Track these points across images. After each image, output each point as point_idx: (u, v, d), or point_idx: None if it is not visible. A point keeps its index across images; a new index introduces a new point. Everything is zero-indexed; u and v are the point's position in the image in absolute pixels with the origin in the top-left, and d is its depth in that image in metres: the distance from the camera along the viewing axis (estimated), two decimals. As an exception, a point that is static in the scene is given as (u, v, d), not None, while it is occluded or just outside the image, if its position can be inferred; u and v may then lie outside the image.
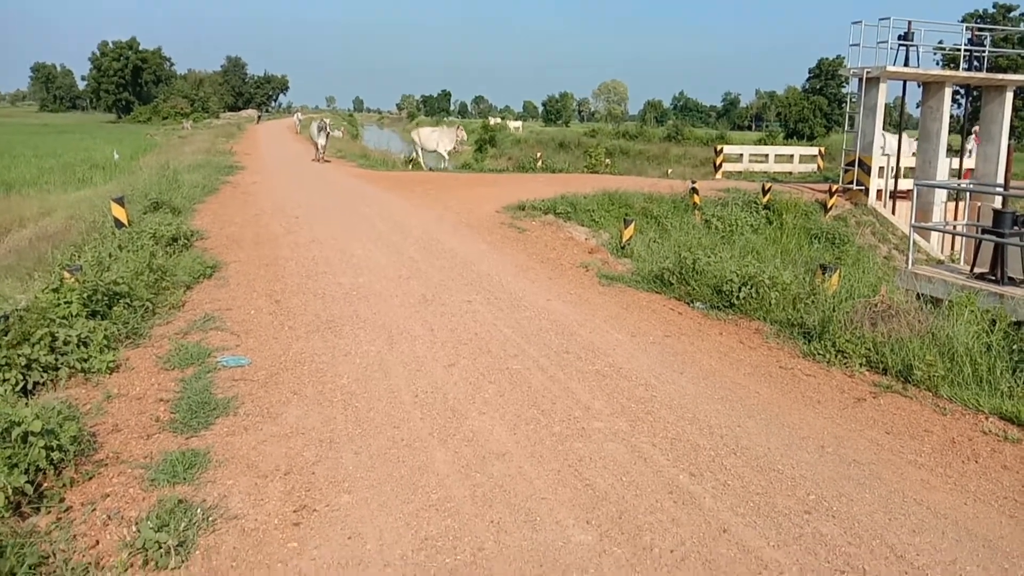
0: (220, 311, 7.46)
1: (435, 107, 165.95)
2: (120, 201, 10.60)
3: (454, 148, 26.63)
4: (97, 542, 3.63)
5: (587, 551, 3.71)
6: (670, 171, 24.17)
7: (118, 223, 10.33)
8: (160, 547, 3.52)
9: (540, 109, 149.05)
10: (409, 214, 14.30)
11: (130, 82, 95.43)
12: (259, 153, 31.79)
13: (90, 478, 4.18)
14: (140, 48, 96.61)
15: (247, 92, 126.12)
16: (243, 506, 4.01)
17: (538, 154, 27.69)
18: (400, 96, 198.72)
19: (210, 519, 3.85)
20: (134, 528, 3.69)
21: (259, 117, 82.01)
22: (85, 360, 5.59)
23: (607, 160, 25.99)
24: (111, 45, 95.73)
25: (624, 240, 11.54)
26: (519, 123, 74.50)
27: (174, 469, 4.30)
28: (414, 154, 26.77)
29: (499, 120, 72.99)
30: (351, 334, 6.94)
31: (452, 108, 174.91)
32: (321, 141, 26.96)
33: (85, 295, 6.44)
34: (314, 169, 24.23)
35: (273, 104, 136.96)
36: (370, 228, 12.57)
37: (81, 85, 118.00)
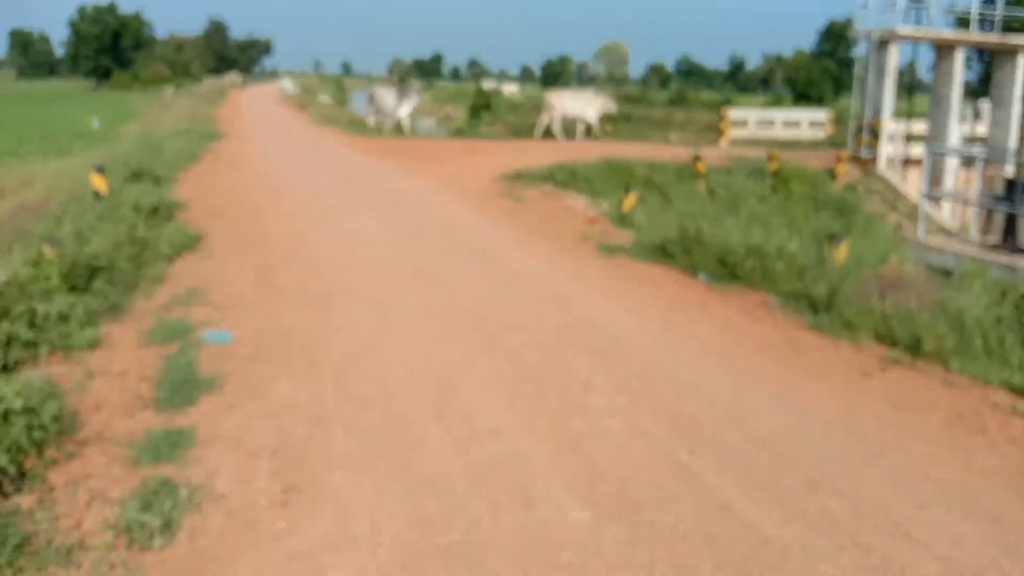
0: (204, 284, 7.30)
1: (427, 71, 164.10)
2: (100, 171, 10.39)
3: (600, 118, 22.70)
4: (80, 522, 3.54)
5: (585, 528, 3.62)
6: (673, 137, 23.81)
7: (98, 194, 10.12)
8: (144, 528, 3.43)
9: (538, 73, 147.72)
10: (401, 183, 14.12)
11: (109, 47, 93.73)
12: (243, 120, 31.41)
13: (72, 457, 4.07)
14: (119, 12, 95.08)
15: (230, 56, 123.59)
16: (230, 485, 3.91)
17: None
18: (391, 59, 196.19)
19: (195, 499, 3.75)
20: (117, 508, 3.59)
21: (243, 81, 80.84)
22: (66, 336, 5.45)
23: (608, 126, 25.66)
24: (89, 10, 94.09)
25: (625, 210, 11.38)
26: (515, 87, 73.67)
27: (158, 448, 4.18)
28: (545, 121, 22.42)
29: (495, 84, 72.01)
30: (341, 308, 6.81)
31: (445, 73, 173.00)
32: (404, 111, 21.88)
33: (64, 269, 6.30)
34: (301, 137, 23.97)
35: (257, 68, 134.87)
36: (360, 198, 12.41)
37: (59, 51, 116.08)
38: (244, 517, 3.65)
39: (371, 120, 23.26)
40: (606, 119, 23.66)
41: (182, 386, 4.98)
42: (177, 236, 8.77)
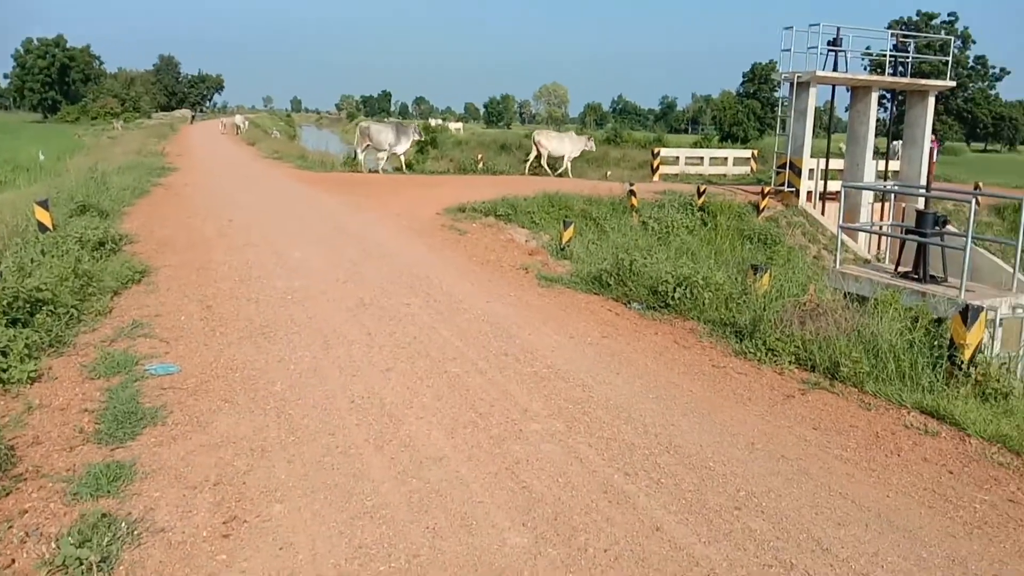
0: (149, 317, 7.25)
1: (375, 108, 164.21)
2: (44, 204, 10.20)
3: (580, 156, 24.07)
4: (13, 560, 3.49)
5: (522, 553, 3.73)
6: (609, 173, 24.42)
7: (42, 227, 9.94)
8: (81, 563, 3.40)
9: (482, 111, 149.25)
10: (348, 216, 14.14)
11: (57, 81, 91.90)
12: (193, 155, 31.01)
13: (7, 494, 4.01)
14: (67, 46, 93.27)
15: (180, 92, 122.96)
16: (170, 519, 3.91)
17: (479, 156, 27.65)
18: (339, 96, 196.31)
19: (135, 533, 3.74)
20: (54, 545, 3.55)
21: (193, 117, 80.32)
22: (4, 370, 5.34)
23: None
24: (36, 42, 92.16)
25: (563, 242, 11.63)
26: (460, 124, 74.23)
27: (98, 482, 4.15)
28: (532, 157, 23.67)
29: (440, 121, 72.47)
30: (285, 339, 6.83)
31: (393, 109, 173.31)
32: (401, 149, 22.14)
33: (5, 302, 6.18)
34: (250, 171, 23.78)
35: (208, 104, 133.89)
36: (307, 231, 12.39)
37: (3, 83, 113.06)
38: (184, 551, 3.65)
39: (360, 155, 23.06)
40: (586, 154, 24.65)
41: (124, 419, 4.94)
42: (123, 269, 8.64)
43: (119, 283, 8.23)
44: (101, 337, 6.63)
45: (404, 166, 23.00)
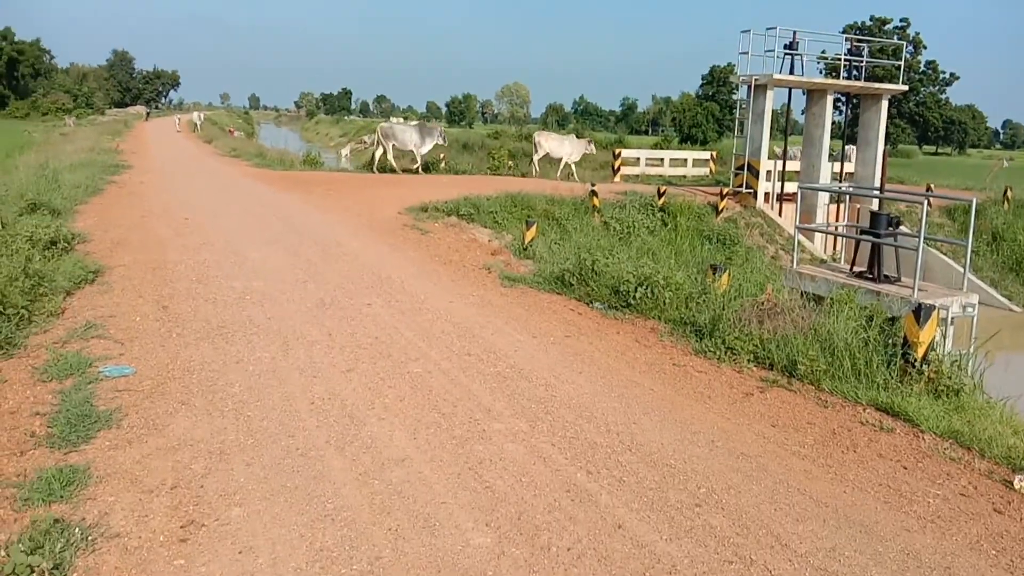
0: (103, 318, 7.09)
1: (335, 105, 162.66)
2: (-9, 202, 9.94)
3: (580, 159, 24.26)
4: (-40, 572, 3.38)
5: (486, 554, 3.72)
6: (571, 174, 24.57)
7: (-11, 226, 9.67)
8: (32, 571, 3.30)
9: (443, 110, 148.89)
10: (307, 216, 13.99)
11: (4, 75, 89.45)
12: (147, 152, 30.44)
13: (-46, 502, 3.88)
14: (16, 39, 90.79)
15: (135, 88, 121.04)
16: (126, 523, 3.82)
17: (441, 155, 27.59)
18: (299, 94, 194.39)
19: (89, 538, 3.65)
20: (3, 552, 3.43)
21: (148, 114, 79.07)
22: (-50, 374, 5.19)
23: (510, 162, 26.09)
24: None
25: (526, 242, 11.65)
26: (422, 124, 73.97)
27: (50, 487, 4.04)
28: (535, 158, 23.80)
29: (401, 120, 72.09)
30: (244, 340, 6.72)
31: (353, 107, 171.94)
32: (425, 149, 22.07)
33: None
34: (206, 169, 23.40)
35: (163, 101, 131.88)
36: (265, 230, 12.23)
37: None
38: (140, 556, 3.58)
39: (389, 156, 22.44)
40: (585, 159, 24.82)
41: (78, 422, 4.82)
42: (76, 269, 8.42)
43: (72, 283, 8.04)
44: (53, 338, 6.47)
45: (421, 167, 22.70)
